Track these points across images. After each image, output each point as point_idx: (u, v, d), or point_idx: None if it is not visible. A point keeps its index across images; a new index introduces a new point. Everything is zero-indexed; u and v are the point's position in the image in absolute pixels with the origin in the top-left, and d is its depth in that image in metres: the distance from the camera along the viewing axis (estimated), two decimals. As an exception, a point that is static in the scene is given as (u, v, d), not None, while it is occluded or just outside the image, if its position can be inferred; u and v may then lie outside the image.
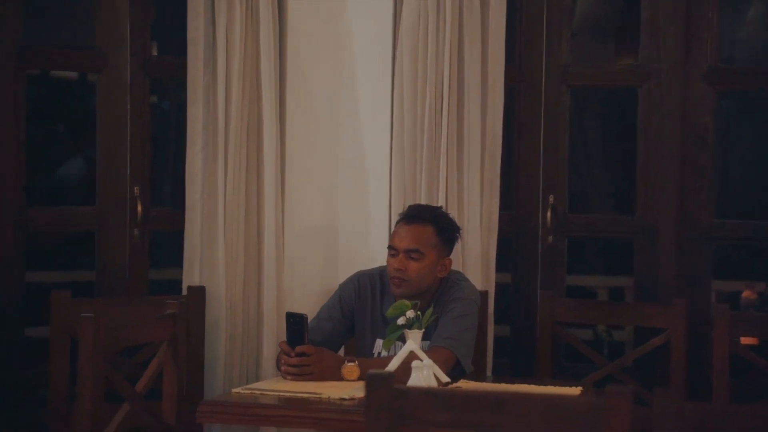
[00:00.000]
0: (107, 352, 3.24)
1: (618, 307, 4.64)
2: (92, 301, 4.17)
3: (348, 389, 3.34)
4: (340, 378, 3.51)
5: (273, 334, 4.26)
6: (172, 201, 4.69)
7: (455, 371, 3.62)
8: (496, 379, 3.94)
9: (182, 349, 3.62)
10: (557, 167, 4.55)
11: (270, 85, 4.30)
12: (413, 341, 3.38)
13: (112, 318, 3.64)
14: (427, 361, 3.32)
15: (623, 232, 4.69)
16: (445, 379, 3.41)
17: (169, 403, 3.49)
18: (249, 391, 3.41)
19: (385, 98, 4.40)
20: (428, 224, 3.80)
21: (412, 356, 3.34)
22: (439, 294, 3.80)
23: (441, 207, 4.04)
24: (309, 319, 3.63)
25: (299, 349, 3.53)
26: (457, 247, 3.99)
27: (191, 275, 4.27)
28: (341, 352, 3.96)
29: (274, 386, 3.46)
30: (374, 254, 4.27)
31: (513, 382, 3.66)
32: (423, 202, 4.22)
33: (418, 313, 3.42)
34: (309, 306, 4.03)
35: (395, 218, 3.98)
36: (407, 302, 3.45)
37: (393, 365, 3.31)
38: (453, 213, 4.07)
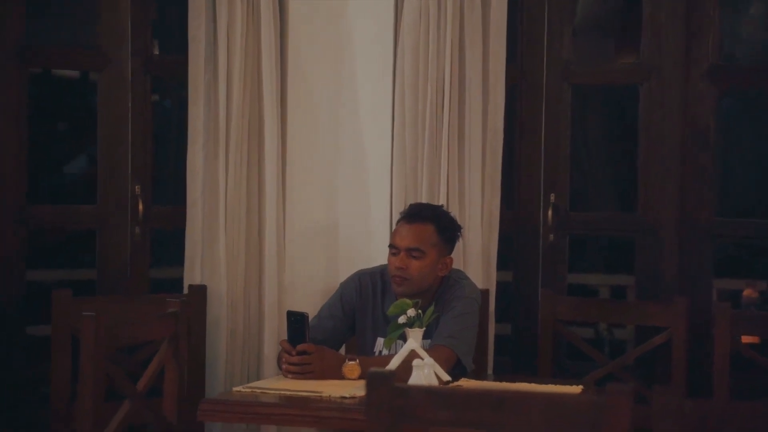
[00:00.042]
0: (108, 351, 3.24)
1: (619, 306, 4.64)
2: (93, 300, 4.17)
3: (349, 388, 3.34)
4: (341, 376, 3.51)
5: (274, 332, 4.26)
6: (173, 200, 4.69)
7: (456, 370, 3.63)
8: (497, 377, 3.94)
9: (183, 347, 3.61)
10: (558, 165, 4.54)
11: (271, 84, 4.30)
12: (414, 340, 3.38)
13: (113, 316, 3.64)
14: (428, 359, 3.32)
15: (624, 231, 4.69)
16: (446, 377, 3.41)
17: (170, 401, 3.49)
18: (250, 390, 3.41)
19: (386, 96, 4.40)
20: (429, 223, 3.80)
21: (413, 355, 3.35)
22: (440, 292, 3.80)
23: (442, 205, 4.05)
24: (310, 318, 3.63)
25: (300, 347, 3.53)
26: (458, 245, 3.99)
27: (192, 273, 4.28)
28: (342, 350, 3.96)
29: (275, 385, 3.46)
30: (375, 253, 4.27)
31: (514, 381, 3.66)
32: (424, 200, 4.22)
33: (419, 311, 3.42)
34: (310, 304, 4.04)
35: (396, 217, 3.98)
36: (408, 301, 3.45)
37: (394, 364, 3.31)
38: (454, 211, 4.07)
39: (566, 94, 4.55)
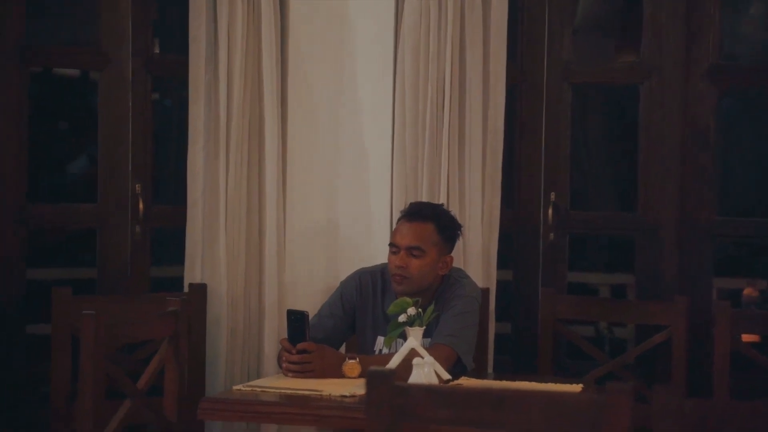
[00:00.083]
0: (108, 349, 3.24)
1: (619, 305, 4.63)
2: (93, 299, 4.17)
3: (349, 386, 3.34)
4: (341, 375, 3.51)
5: (274, 331, 4.27)
6: (173, 199, 4.69)
7: (456, 368, 3.63)
8: (498, 376, 3.94)
9: (183, 346, 3.61)
10: (559, 164, 4.55)
11: (271, 83, 4.30)
12: (414, 338, 3.39)
13: (114, 315, 3.64)
14: (428, 358, 3.32)
15: (624, 230, 4.69)
16: (446, 376, 3.41)
17: (171, 400, 3.49)
18: (250, 388, 3.41)
19: (386, 96, 4.40)
20: (429, 222, 3.80)
21: (413, 353, 3.35)
22: (440, 291, 3.81)
23: (442, 204, 4.05)
24: (310, 317, 3.64)
25: (300, 346, 3.53)
26: (459, 244, 4.00)
27: (193, 272, 4.28)
28: (342, 349, 3.96)
29: (276, 383, 3.47)
30: (375, 251, 4.27)
31: (514, 379, 3.66)
32: (424, 199, 4.22)
33: (420, 310, 3.42)
34: (310, 303, 4.04)
35: (396, 216, 3.98)
36: (408, 299, 3.45)
37: (394, 362, 3.31)
38: (454, 210, 4.08)
39: (566, 94, 4.56)
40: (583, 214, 4.70)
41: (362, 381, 3.30)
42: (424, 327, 3.44)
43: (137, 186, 4.38)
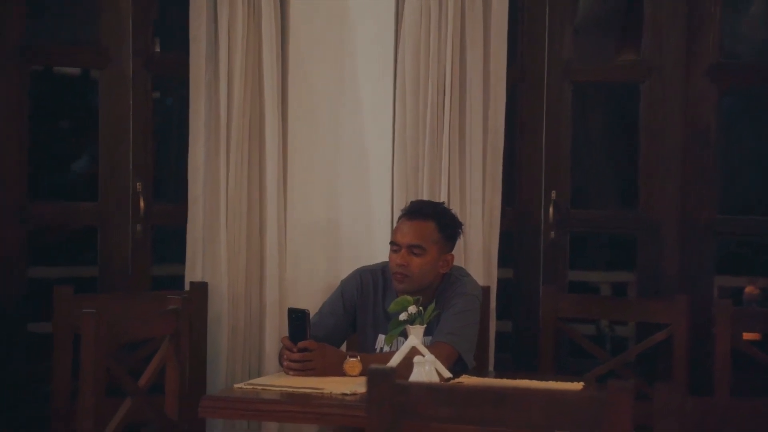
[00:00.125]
0: (109, 348, 3.25)
1: (620, 303, 4.64)
2: (95, 297, 4.17)
3: (350, 384, 3.35)
4: (342, 373, 3.51)
5: (275, 329, 4.27)
6: (174, 197, 4.69)
7: (457, 367, 3.63)
8: (499, 374, 3.94)
9: (185, 344, 3.61)
10: (559, 163, 4.55)
11: (272, 82, 4.30)
12: (415, 337, 3.39)
13: (115, 313, 3.65)
14: (429, 356, 3.32)
15: (625, 228, 4.69)
16: (447, 374, 3.41)
17: (172, 398, 3.49)
18: (251, 387, 3.42)
19: (387, 95, 4.40)
20: (430, 220, 3.80)
21: (414, 352, 3.35)
22: (441, 289, 3.81)
23: (443, 203, 4.05)
24: (311, 315, 3.64)
25: (301, 344, 3.54)
26: (460, 242, 4.00)
27: (194, 271, 4.28)
28: (343, 347, 3.96)
29: (277, 381, 3.47)
30: (376, 250, 4.27)
31: (515, 378, 3.66)
32: (425, 198, 4.22)
33: (420, 308, 3.42)
34: (311, 301, 4.04)
35: (397, 214, 3.98)
36: (409, 298, 3.45)
37: (395, 360, 3.31)
38: (455, 209, 4.08)
39: (567, 93, 4.56)
40: (584, 212, 4.70)
41: (363, 379, 3.31)
42: (425, 325, 3.45)
43: (138, 184, 4.38)
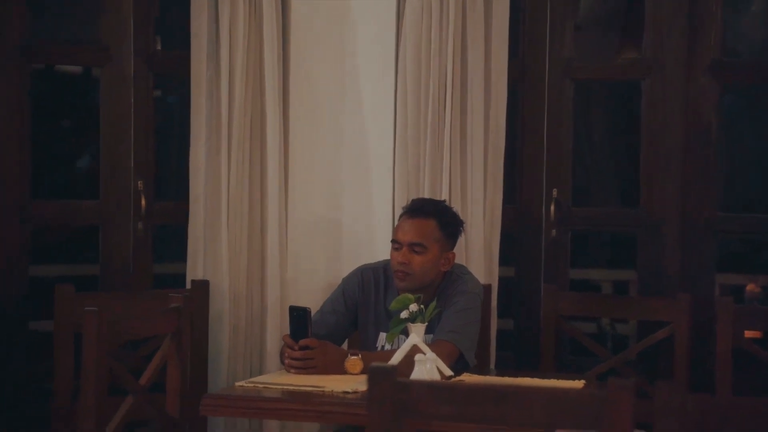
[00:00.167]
0: (111, 346, 3.25)
1: (622, 301, 4.64)
2: (96, 295, 4.17)
3: (351, 382, 3.35)
4: (343, 371, 3.51)
5: (276, 327, 4.27)
6: (175, 195, 4.69)
7: (458, 365, 3.63)
8: (500, 372, 3.94)
9: (186, 342, 3.61)
10: (561, 161, 4.55)
11: (273, 80, 4.30)
12: (416, 335, 3.39)
13: (116, 312, 3.65)
14: (430, 354, 3.33)
15: (627, 226, 4.69)
16: (448, 372, 3.41)
17: (173, 396, 3.49)
18: (252, 385, 3.42)
19: (388, 92, 4.40)
20: (431, 218, 3.80)
21: (415, 350, 3.35)
22: (442, 287, 3.81)
23: (444, 201, 4.05)
24: (312, 313, 3.64)
25: (303, 342, 3.54)
26: (461, 240, 4.00)
27: (195, 269, 4.28)
28: (345, 345, 3.96)
29: (278, 380, 3.47)
30: (377, 248, 4.27)
31: (516, 376, 3.66)
32: (426, 195, 4.22)
33: (422, 306, 3.42)
34: (312, 299, 4.04)
35: (398, 212, 3.98)
36: (410, 296, 3.45)
37: (396, 358, 3.31)
38: (456, 207, 4.07)
39: (568, 91, 4.55)
40: (586, 210, 4.70)
41: (364, 377, 3.31)
42: (426, 323, 3.45)
43: (139, 183, 4.38)
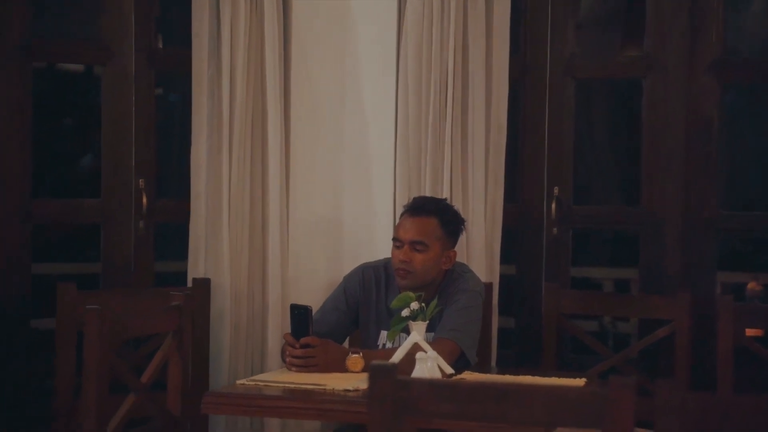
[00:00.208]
0: (113, 344, 3.25)
1: (623, 299, 4.64)
2: (98, 293, 4.17)
3: (352, 381, 3.35)
4: (344, 369, 3.52)
5: (278, 325, 4.27)
6: (177, 193, 4.69)
7: (459, 363, 3.63)
8: (501, 370, 3.94)
9: (187, 340, 3.62)
10: (562, 159, 4.55)
11: (274, 78, 4.30)
12: (417, 333, 3.39)
13: (118, 310, 3.65)
14: (432, 352, 3.33)
15: (628, 224, 4.69)
16: (449, 370, 3.41)
17: (174, 394, 3.50)
18: (254, 383, 3.42)
19: (389, 90, 4.40)
20: (433, 216, 3.80)
21: (416, 348, 3.35)
22: (443, 286, 3.81)
23: (446, 199, 4.05)
24: (313, 311, 3.64)
25: (304, 340, 3.54)
26: (462, 239, 4.00)
27: (196, 267, 4.29)
28: (346, 343, 3.97)
29: (279, 378, 3.47)
30: (379, 247, 4.27)
31: (517, 374, 3.66)
32: (427, 194, 4.22)
33: (423, 304, 3.42)
34: (314, 298, 4.04)
35: (400, 210, 3.98)
36: (412, 294, 3.45)
37: (397, 356, 3.32)
38: (457, 205, 4.08)
39: (570, 89, 4.56)
40: (587, 208, 4.70)
41: (365, 375, 3.30)
42: (427, 321, 3.45)
43: (140, 181, 4.38)
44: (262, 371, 4.22)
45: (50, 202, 4.49)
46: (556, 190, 4.50)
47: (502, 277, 4.39)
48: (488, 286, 4.14)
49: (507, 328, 4.63)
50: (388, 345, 3.73)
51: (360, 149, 4.43)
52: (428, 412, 2.20)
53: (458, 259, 3.90)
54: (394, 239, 3.81)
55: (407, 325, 3.43)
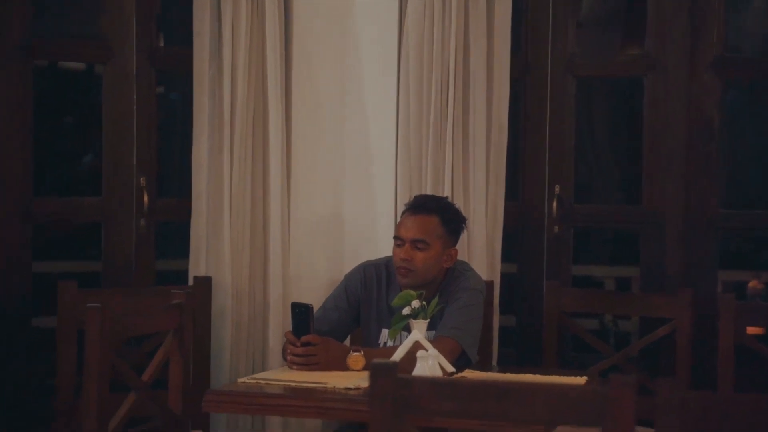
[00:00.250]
0: (113, 342, 3.25)
1: (624, 297, 4.64)
2: (99, 292, 4.17)
3: (353, 379, 3.35)
4: (345, 368, 3.52)
5: (279, 324, 4.27)
6: (178, 192, 4.70)
7: (460, 361, 3.63)
8: (502, 369, 3.94)
9: (188, 339, 3.62)
10: (563, 158, 4.55)
11: (275, 77, 4.30)
12: (418, 331, 3.39)
13: (119, 308, 3.65)
14: (433, 350, 3.33)
15: (629, 223, 4.69)
16: (450, 368, 3.41)
17: (175, 392, 3.50)
18: (255, 381, 3.42)
19: (390, 89, 4.40)
20: (434, 214, 3.80)
21: (417, 346, 3.35)
22: (444, 284, 3.81)
23: (447, 197, 4.05)
24: (315, 309, 3.64)
25: (305, 339, 3.54)
26: (463, 237, 4.00)
27: (197, 266, 4.29)
28: (347, 342, 3.97)
29: (280, 376, 3.47)
30: (380, 246, 4.28)
31: (519, 372, 3.66)
32: (429, 192, 4.22)
33: (424, 303, 3.42)
34: (314, 297, 4.04)
35: (401, 209, 3.98)
36: (413, 292, 3.45)
37: (398, 355, 3.32)
38: (459, 203, 4.08)
39: (571, 87, 4.56)
40: (588, 207, 4.70)
41: (366, 373, 3.31)
42: (428, 320, 3.45)
43: (142, 179, 4.38)
44: (263, 369, 4.22)
45: (51, 201, 4.49)
46: (557, 188, 4.50)
47: (503, 275, 4.39)
48: (489, 285, 4.14)
49: (508, 327, 4.63)
50: (389, 343, 3.74)
51: (361, 148, 4.43)
52: (429, 410, 2.20)
53: (459, 257, 3.90)
54: (395, 237, 3.81)
55: (408, 324, 3.43)
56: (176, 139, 5.42)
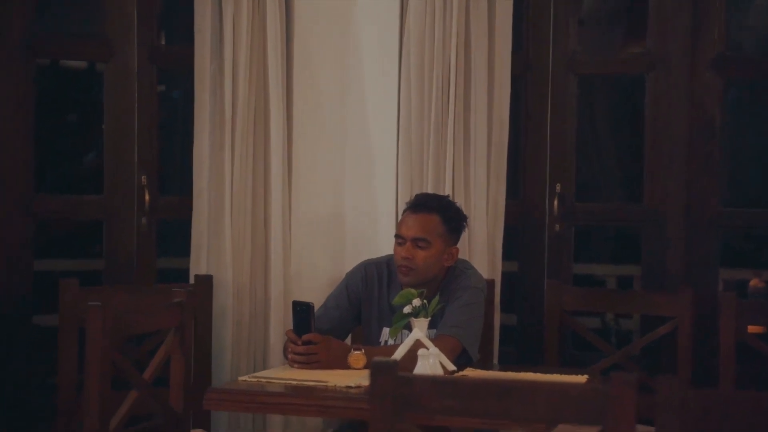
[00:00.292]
0: (115, 340, 3.25)
1: (625, 296, 4.63)
2: (100, 290, 4.18)
3: (354, 377, 3.35)
4: (346, 366, 3.52)
5: (280, 322, 4.27)
6: (179, 190, 4.70)
7: (462, 360, 3.63)
8: (503, 367, 3.94)
9: (189, 337, 3.62)
10: (564, 156, 4.55)
11: (276, 76, 4.30)
12: (419, 329, 3.39)
13: (120, 306, 3.65)
14: (434, 349, 3.33)
15: (630, 221, 4.69)
16: (451, 367, 3.41)
17: (177, 390, 3.50)
18: (256, 379, 3.42)
19: (391, 87, 4.40)
20: (435, 213, 3.80)
21: (418, 344, 3.35)
22: (445, 282, 3.81)
23: (448, 196, 4.05)
24: (316, 308, 3.64)
25: (306, 337, 3.54)
26: (464, 235, 4.00)
27: (198, 264, 4.29)
28: (348, 340, 3.97)
29: (281, 374, 3.47)
30: (381, 244, 4.28)
31: (520, 371, 3.66)
32: (430, 191, 4.22)
33: (425, 301, 3.42)
34: (316, 294, 4.04)
35: (402, 207, 3.98)
36: (414, 291, 3.45)
37: (399, 353, 3.32)
38: (460, 202, 4.08)
39: (572, 85, 4.55)
40: (589, 205, 4.70)
41: (367, 372, 3.30)
42: (429, 318, 3.45)
43: (143, 178, 4.39)
44: (264, 368, 4.23)
45: (53, 199, 4.50)
46: (558, 186, 4.50)
47: (504, 273, 4.40)
48: (490, 283, 4.14)
49: (509, 325, 4.63)
50: (390, 342, 3.74)
51: (362, 146, 4.43)
52: (430, 408, 2.20)
53: (460, 255, 3.90)
54: (397, 236, 3.81)
55: (409, 322, 3.43)
56: (177, 138, 5.42)
